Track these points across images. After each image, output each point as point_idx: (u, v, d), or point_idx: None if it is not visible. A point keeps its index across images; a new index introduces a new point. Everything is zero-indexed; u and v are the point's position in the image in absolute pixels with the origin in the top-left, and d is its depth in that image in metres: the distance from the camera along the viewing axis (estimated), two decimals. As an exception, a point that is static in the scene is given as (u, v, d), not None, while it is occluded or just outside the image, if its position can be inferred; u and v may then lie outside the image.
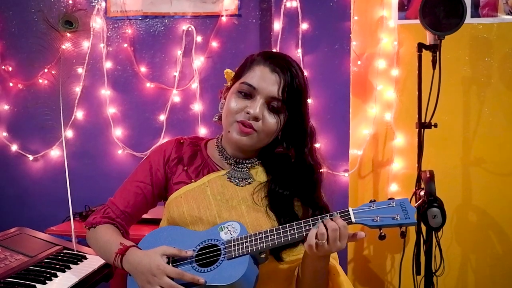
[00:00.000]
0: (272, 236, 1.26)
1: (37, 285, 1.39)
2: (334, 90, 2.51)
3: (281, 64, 1.38)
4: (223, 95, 1.51)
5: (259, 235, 1.27)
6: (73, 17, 2.48)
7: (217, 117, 1.52)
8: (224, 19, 2.67)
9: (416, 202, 2.22)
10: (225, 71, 1.54)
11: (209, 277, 1.24)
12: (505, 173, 2.57)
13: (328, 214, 1.25)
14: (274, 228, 1.28)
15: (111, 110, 2.77)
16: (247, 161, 1.48)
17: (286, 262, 1.39)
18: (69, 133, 2.81)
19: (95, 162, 2.80)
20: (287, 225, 1.27)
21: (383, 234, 1.27)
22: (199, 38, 2.69)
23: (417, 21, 2.51)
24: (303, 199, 1.43)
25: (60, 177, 2.84)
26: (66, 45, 2.77)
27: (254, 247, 1.26)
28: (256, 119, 1.36)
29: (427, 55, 2.28)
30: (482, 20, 2.55)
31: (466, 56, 2.56)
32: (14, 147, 2.88)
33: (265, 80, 1.36)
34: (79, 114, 2.80)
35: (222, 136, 1.54)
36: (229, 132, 1.40)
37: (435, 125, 2.28)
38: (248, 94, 1.38)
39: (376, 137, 2.65)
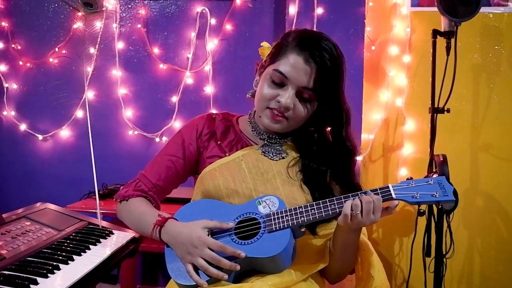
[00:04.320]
0: (313, 210, 1.29)
1: (74, 256, 1.40)
2: (347, 75, 2.52)
3: (316, 53, 1.35)
4: (258, 71, 1.51)
5: (299, 209, 1.30)
6: (92, -1, 2.50)
7: (250, 94, 1.53)
8: (238, 2, 2.69)
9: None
10: (261, 44, 1.54)
11: (250, 250, 1.26)
12: (512, 159, 2.63)
13: (369, 190, 1.28)
14: (314, 202, 1.30)
15: (123, 91, 2.77)
16: (279, 137, 1.51)
17: (320, 236, 1.42)
18: (79, 113, 2.80)
19: (106, 142, 2.80)
20: (327, 199, 1.29)
21: (422, 210, 1.31)
22: (213, 21, 2.70)
23: (430, 9, 2.58)
24: (337, 178, 1.46)
25: (69, 157, 2.85)
26: (78, 25, 2.76)
27: (295, 221, 1.28)
28: (286, 109, 1.37)
29: (439, 42, 2.31)
30: (492, 9, 2.60)
31: (477, 44, 2.61)
32: (23, 127, 2.86)
33: (298, 70, 1.35)
34: (90, 94, 2.79)
35: (254, 112, 1.56)
36: (260, 117, 1.43)
37: (448, 110, 2.31)
38: (279, 82, 1.38)
39: (387, 122, 2.68)
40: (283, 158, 1.48)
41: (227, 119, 1.59)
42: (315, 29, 2.51)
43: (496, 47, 2.61)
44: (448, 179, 2.21)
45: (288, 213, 1.30)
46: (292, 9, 2.54)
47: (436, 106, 2.34)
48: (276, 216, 1.30)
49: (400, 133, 2.68)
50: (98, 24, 2.72)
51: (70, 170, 2.83)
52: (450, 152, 2.20)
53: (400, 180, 2.59)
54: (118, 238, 1.65)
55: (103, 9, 2.48)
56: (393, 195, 1.26)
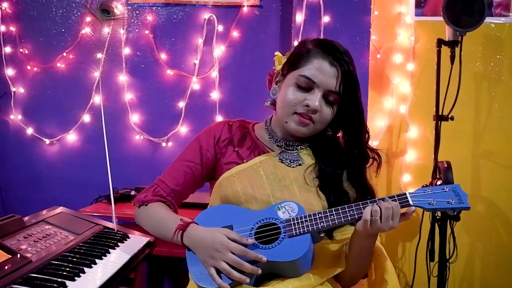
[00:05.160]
0: (332, 216, 1.33)
1: (96, 260, 1.43)
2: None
3: (339, 56, 1.42)
4: (274, 80, 1.56)
5: (318, 215, 1.34)
6: (109, 6, 2.53)
7: (269, 102, 1.57)
8: (245, 9, 2.72)
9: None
10: (276, 53, 1.59)
11: (271, 254, 1.30)
12: (512, 166, 2.69)
13: (386, 197, 1.33)
14: (333, 208, 1.34)
15: (130, 96, 2.80)
16: (296, 144, 1.55)
17: (337, 241, 1.46)
18: (86, 118, 2.83)
19: (113, 147, 2.80)
20: (345, 206, 1.34)
21: (438, 217, 1.35)
22: (220, 28, 2.74)
23: (433, 18, 2.64)
24: (352, 181, 1.51)
25: (76, 161, 2.88)
26: (86, 30, 2.79)
27: (315, 226, 1.32)
28: (314, 112, 1.42)
29: (443, 51, 2.36)
30: (494, 19, 2.65)
31: (479, 53, 2.67)
32: (29, 131, 2.88)
33: (324, 73, 1.41)
34: (97, 99, 2.81)
35: (270, 120, 1.60)
36: (286, 122, 1.46)
37: (452, 118, 2.36)
38: (306, 87, 1.43)
39: (391, 128, 2.73)
40: (299, 165, 1.53)
41: (243, 126, 1.63)
42: (321, 37, 2.56)
43: (498, 57, 2.67)
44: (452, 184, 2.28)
45: (308, 219, 1.34)
46: (299, 17, 2.58)
47: (440, 113, 2.39)
48: (296, 221, 1.34)
49: (404, 139, 2.73)
50: (106, 30, 2.74)
51: (76, 174, 2.85)
52: (452, 159, 2.25)
53: (403, 185, 2.68)
54: (135, 242, 1.69)
55: (120, 16, 2.53)
56: (410, 202, 1.31)
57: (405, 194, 1.32)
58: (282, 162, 1.52)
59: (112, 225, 1.81)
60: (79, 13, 2.80)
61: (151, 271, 2.78)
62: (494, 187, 2.69)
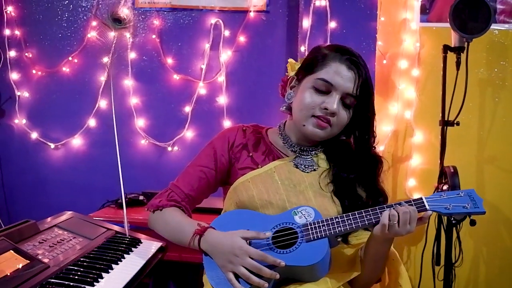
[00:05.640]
0: (349, 221, 1.34)
1: (113, 265, 1.44)
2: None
3: (355, 60, 1.44)
4: (289, 85, 1.57)
5: (335, 219, 1.35)
6: (119, 15, 2.56)
7: (284, 107, 1.58)
8: (252, 14, 2.73)
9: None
10: (289, 60, 1.60)
11: (289, 259, 1.31)
12: (517, 171, 2.70)
13: (403, 201, 1.34)
14: (350, 213, 1.36)
15: (136, 101, 2.80)
16: (311, 149, 1.56)
17: (352, 245, 1.48)
18: (91, 122, 2.83)
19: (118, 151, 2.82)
20: (362, 210, 1.35)
21: (454, 221, 1.36)
22: (226, 32, 2.74)
23: (438, 24, 2.67)
24: (365, 185, 1.52)
25: (81, 165, 2.87)
26: (92, 34, 2.79)
27: (332, 231, 1.33)
28: (332, 114, 1.43)
29: (449, 57, 2.38)
30: (498, 26, 2.68)
31: (483, 60, 2.69)
32: (34, 135, 2.86)
33: (342, 77, 1.43)
34: (102, 103, 2.81)
35: (284, 125, 1.62)
36: (304, 125, 1.47)
37: (458, 123, 2.37)
38: (324, 90, 1.44)
39: (396, 133, 2.74)
40: (314, 170, 1.54)
41: (257, 131, 1.64)
42: (328, 42, 2.58)
43: (502, 63, 2.69)
44: (459, 188, 2.29)
45: (325, 223, 1.35)
46: (306, 23, 2.59)
47: (446, 119, 2.41)
48: (313, 226, 1.35)
49: (409, 144, 2.74)
50: (112, 34, 2.74)
51: (82, 178, 2.85)
52: (456, 164, 2.26)
53: (409, 190, 2.69)
54: (148, 247, 1.70)
55: (130, 24, 2.56)
56: (427, 207, 1.32)
57: (421, 198, 1.33)
58: (297, 168, 1.53)
59: (123, 230, 1.82)
60: (85, 17, 2.80)
61: (155, 276, 2.77)
62: (498, 192, 2.71)
